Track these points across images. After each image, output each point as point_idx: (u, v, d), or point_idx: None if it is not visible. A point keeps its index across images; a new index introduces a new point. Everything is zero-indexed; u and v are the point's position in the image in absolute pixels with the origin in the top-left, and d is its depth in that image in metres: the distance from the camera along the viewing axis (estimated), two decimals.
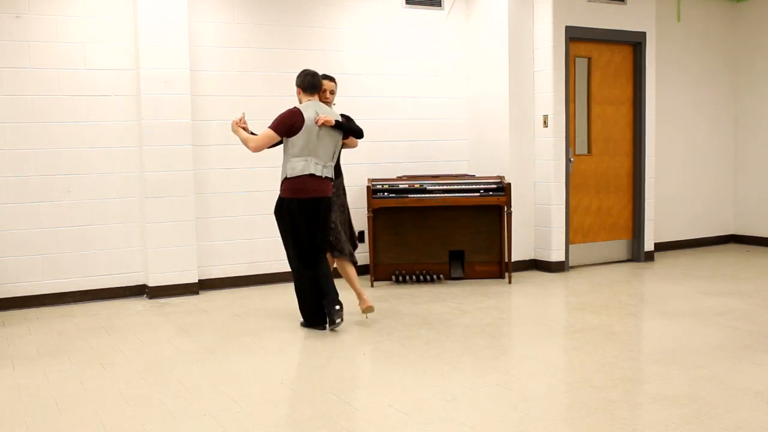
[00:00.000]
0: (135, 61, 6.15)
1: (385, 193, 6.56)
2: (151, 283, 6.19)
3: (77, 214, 6.07)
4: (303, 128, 4.92)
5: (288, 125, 4.93)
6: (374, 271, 6.73)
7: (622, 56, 7.61)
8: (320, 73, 5.24)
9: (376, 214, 6.67)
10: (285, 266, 6.80)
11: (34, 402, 3.73)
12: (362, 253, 7.13)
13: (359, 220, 7.10)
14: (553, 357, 4.46)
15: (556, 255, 7.17)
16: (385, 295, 6.20)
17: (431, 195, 6.57)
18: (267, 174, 6.70)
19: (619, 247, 7.77)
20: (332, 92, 5.27)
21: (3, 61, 5.77)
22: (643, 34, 7.58)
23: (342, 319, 5.01)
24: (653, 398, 3.66)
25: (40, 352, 4.64)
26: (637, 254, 7.77)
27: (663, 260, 7.86)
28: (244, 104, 6.59)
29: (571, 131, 7.30)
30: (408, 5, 7.30)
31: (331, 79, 5.31)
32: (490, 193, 6.57)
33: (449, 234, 6.83)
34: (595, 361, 4.29)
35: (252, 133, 5.10)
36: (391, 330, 5.05)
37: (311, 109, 4.99)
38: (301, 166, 4.93)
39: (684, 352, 4.43)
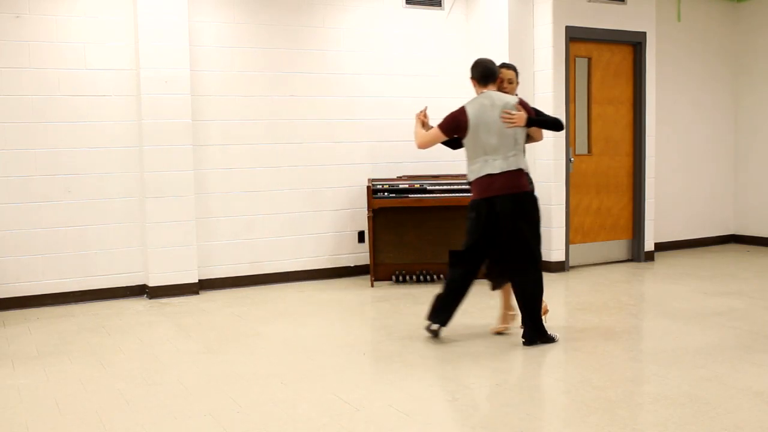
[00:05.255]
0: (135, 61, 6.15)
1: (386, 193, 6.56)
2: (152, 283, 6.19)
3: (77, 214, 6.07)
4: (469, 128, 4.57)
5: (452, 126, 4.64)
6: (374, 271, 6.72)
7: (622, 56, 7.61)
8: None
9: (376, 214, 6.66)
10: (284, 266, 6.87)
11: (34, 402, 3.73)
12: (362, 253, 7.15)
13: (359, 220, 7.11)
14: (553, 357, 4.46)
15: (556, 255, 7.17)
16: (386, 295, 6.19)
17: (431, 195, 6.57)
18: (267, 174, 6.71)
19: (619, 247, 7.77)
20: (510, 81, 4.77)
21: (3, 61, 5.77)
22: (643, 34, 7.58)
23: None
24: (653, 398, 3.66)
25: (40, 352, 4.64)
26: (637, 254, 7.77)
27: (663, 260, 7.86)
28: (244, 104, 6.61)
29: (571, 131, 7.30)
30: (408, 5, 7.30)
31: (509, 67, 4.85)
32: None
33: (449, 234, 6.82)
34: (595, 361, 4.29)
35: (432, 128, 4.79)
36: (391, 330, 5.05)
37: (478, 102, 4.60)
38: (477, 168, 4.63)
39: (684, 352, 4.43)
